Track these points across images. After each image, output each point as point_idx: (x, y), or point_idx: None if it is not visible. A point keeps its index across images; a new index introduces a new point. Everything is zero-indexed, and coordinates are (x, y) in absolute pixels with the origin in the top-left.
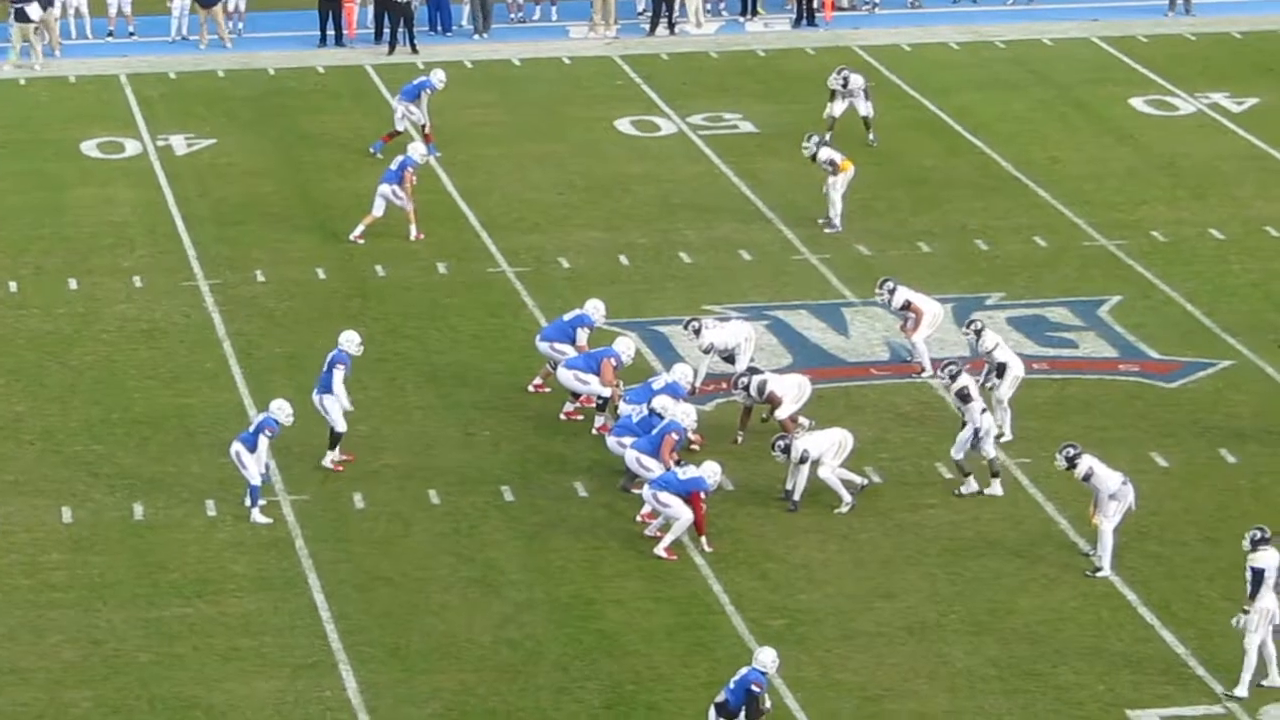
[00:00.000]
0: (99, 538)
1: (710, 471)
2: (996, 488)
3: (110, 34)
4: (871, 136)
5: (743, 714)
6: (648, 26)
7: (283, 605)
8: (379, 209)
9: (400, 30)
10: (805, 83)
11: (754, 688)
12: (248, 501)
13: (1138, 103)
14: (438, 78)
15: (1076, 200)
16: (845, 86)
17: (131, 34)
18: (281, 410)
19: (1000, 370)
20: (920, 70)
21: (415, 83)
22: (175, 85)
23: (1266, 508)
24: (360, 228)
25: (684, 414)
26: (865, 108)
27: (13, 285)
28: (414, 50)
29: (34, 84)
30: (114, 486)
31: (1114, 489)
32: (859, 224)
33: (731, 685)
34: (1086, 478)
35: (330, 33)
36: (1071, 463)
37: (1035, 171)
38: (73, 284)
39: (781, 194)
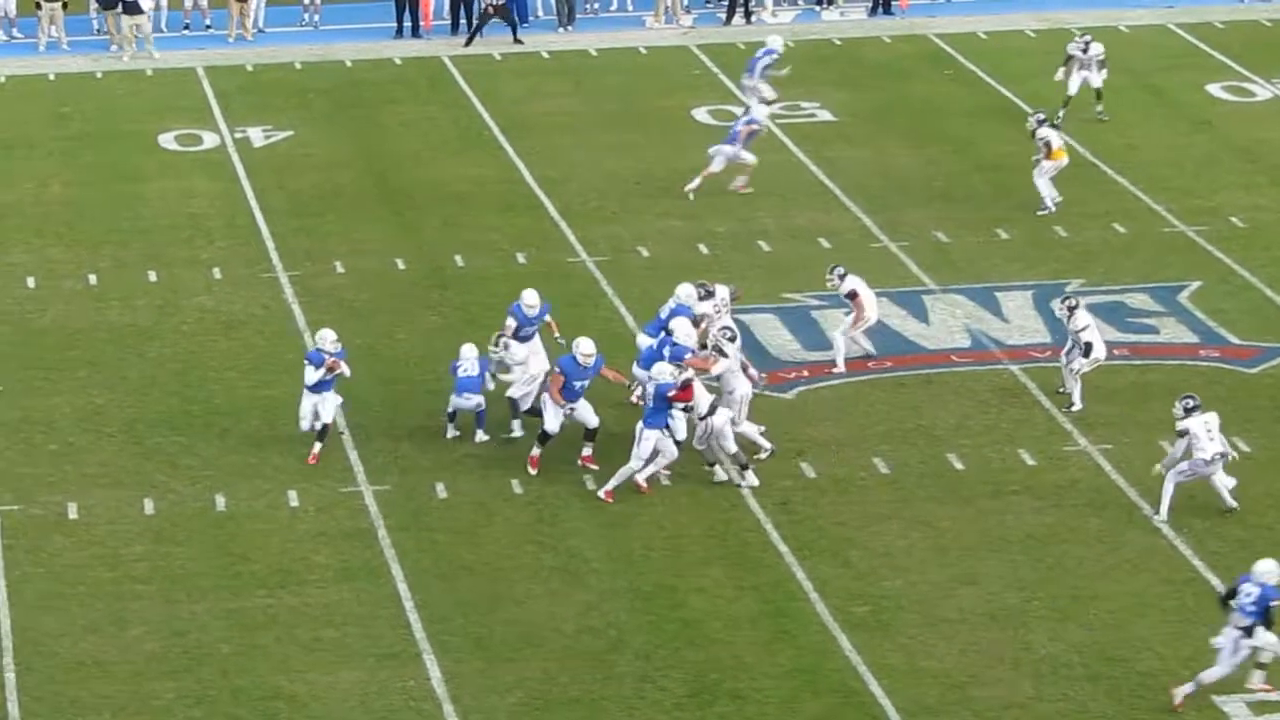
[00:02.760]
0: (181, 529)
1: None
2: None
3: (186, 27)
4: (1099, 109)
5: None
6: (724, 15)
7: (365, 595)
8: (718, 165)
9: (488, 24)
10: (882, 71)
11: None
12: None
13: (1215, 88)
14: (776, 43)
15: (1155, 186)
16: (1085, 53)
17: (208, 27)
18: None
19: (1086, 350)
20: (997, 58)
21: (754, 56)
22: (252, 77)
23: None
24: (697, 180)
25: (664, 372)
26: (1098, 78)
27: (92, 278)
28: (516, 40)
29: (111, 78)
30: (195, 478)
31: (1209, 457)
32: (938, 211)
33: (1249, 606)
34: (1182, 434)
35: (407, 24)
36: (1189, 413)
37: (1112, 158)
38: (152, 276)
39: (859, 182)
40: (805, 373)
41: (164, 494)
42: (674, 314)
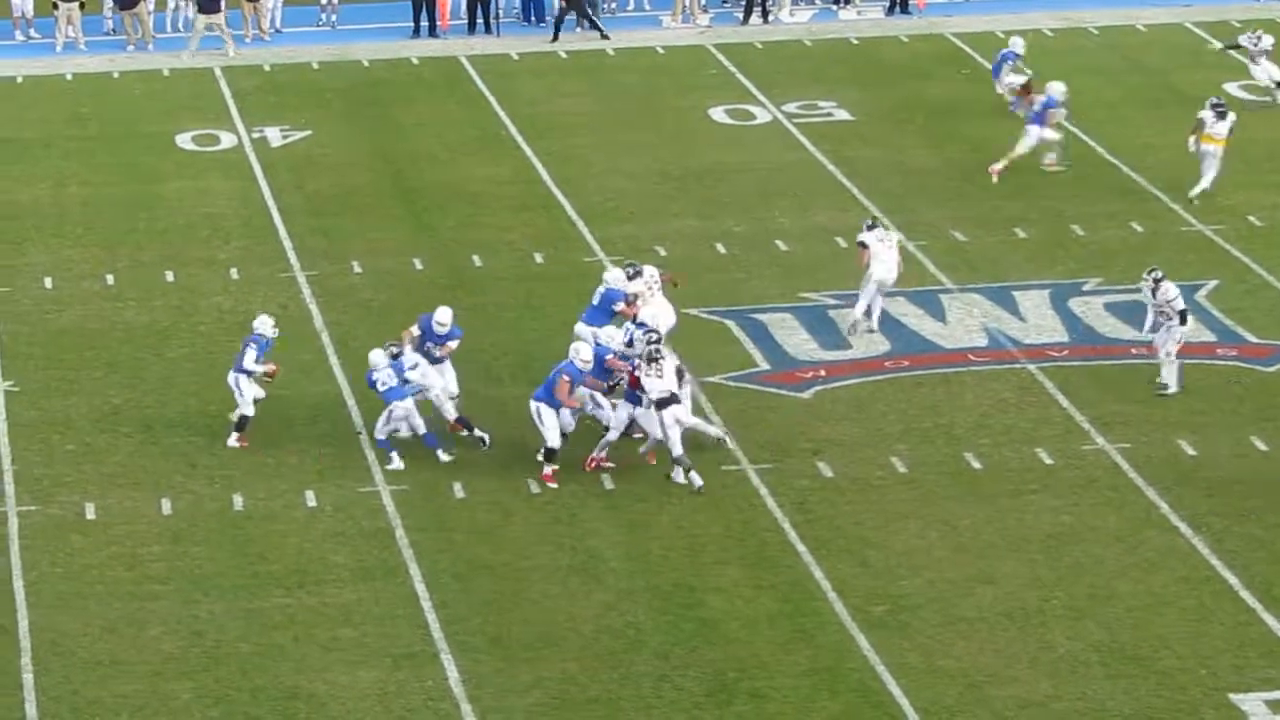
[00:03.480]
0: (198, 529)
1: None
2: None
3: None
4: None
5: None
6: (741, 15)
7: (384, 595)
8: (1024, 147)
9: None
10: (899, 70)
11: None
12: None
13: (1231, 87)
14: (1017, 45)
15: (1172, 186)
16: (1257, 45)
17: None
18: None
19: (1183, 317)
20: None
21: (998, 58)
22: (269, 77)
23: None
24: (1002, 163)
25: (580, 352)
26: (1275, 71)
27: (109, 278)
28: (603, 36)
29: (127, 77)
30: (213, 478)
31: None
32: (955, 211)
33: None
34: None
35: (424, 24)
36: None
37: (1130, 157)
38: (169, 276)
39: (876, 182)
40: (823, 372)
41: (181, 494)
42: (605, 298)
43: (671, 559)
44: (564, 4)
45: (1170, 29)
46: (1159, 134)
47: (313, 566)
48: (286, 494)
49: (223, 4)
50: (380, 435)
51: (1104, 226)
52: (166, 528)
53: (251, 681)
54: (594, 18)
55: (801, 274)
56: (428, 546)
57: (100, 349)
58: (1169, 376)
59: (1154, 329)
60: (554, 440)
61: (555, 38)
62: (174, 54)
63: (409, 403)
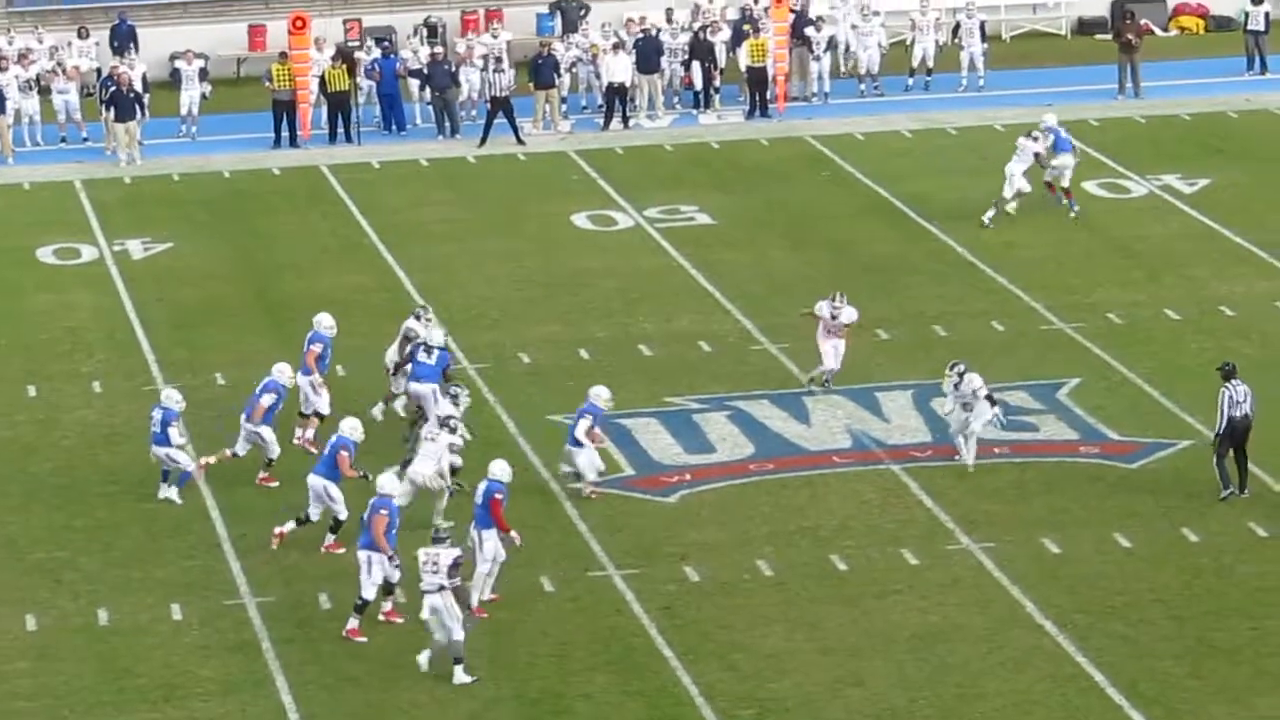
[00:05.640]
0: (64, 645)
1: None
2: None
3: (63, 139)
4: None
5: None
6: (601, 121)
7: (251, 708)
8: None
9: (494, 122)
10: (760, 173)
11: None
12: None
13: (1091, 186)
14: (1050, 120)
15: (1033, 284)
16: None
17: (85, 139)
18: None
19: (991, 400)
20: (874, 158)
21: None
22: (130, 190)
23: (1230, 585)
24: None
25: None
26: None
27: None
28: (519, 141)
29: None
30: (78, 593)
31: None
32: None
33: None
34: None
35: (285, 134)
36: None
37: (991, 256)
38: (31, 391)
39: (739, 285)
40: (688, 476)
41: (46, 610)
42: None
43: (538, 666)
44: (492, 108)
45: (1029, 128)
46: (1019, 233)
47: (180, 680)
48: (153, 607)
49: (139, 112)
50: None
51: (965, 326)
52: (31, 644)
53: None
54: (516, 122)
55: (665, 378)
56: (295, 658)
57: None
58: (968, 453)
59: (961, 425)
60: (369, 594)
61: (483, 142)
62: (34, 167)
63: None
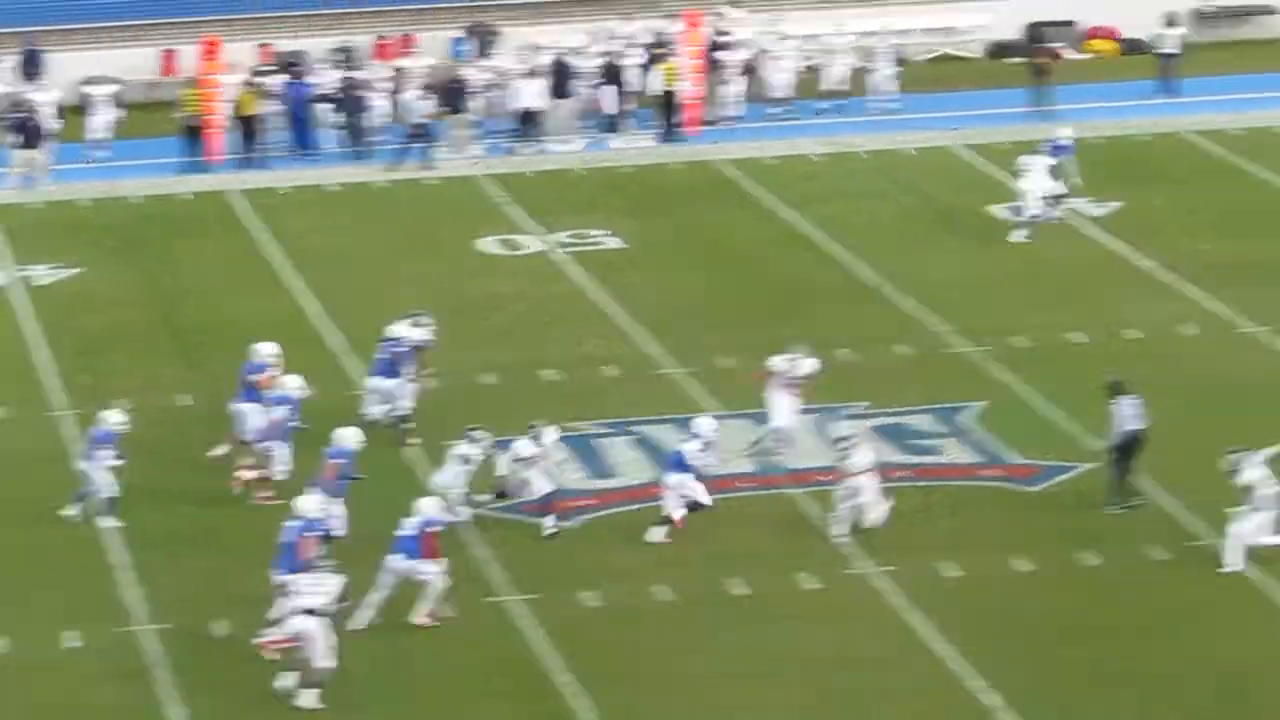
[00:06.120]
0: None
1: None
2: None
3: None
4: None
5: None
6: (511, 146)
7: None
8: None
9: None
10: (671, 197)
11: None
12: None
13: (1000, 209)
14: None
15: (940, 308)
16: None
17: None
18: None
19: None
20: (784, 182)
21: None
22: (39, 215)
23: (1129, 609)
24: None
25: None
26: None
27: None
28: (430, 167)
29: None
30: None
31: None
32: (725, 337)
33: None
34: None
35: (196, 158)
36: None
37: (898, 280)
38: None
39: (647, 309)
40: (592, 501)
41: None
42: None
43: (436, 692)
44: (411, 133)
45: (940, 152)
46: (927, 256)
47: (75, 707)
48: (48, 635)
49: (47, 138)
50: None
51: (870, 350)
52: None
53: None
54: (431, 147)
55: (570, 403)
56: (191, 686)
57: None
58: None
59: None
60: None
61: (397, 166)
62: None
63: None
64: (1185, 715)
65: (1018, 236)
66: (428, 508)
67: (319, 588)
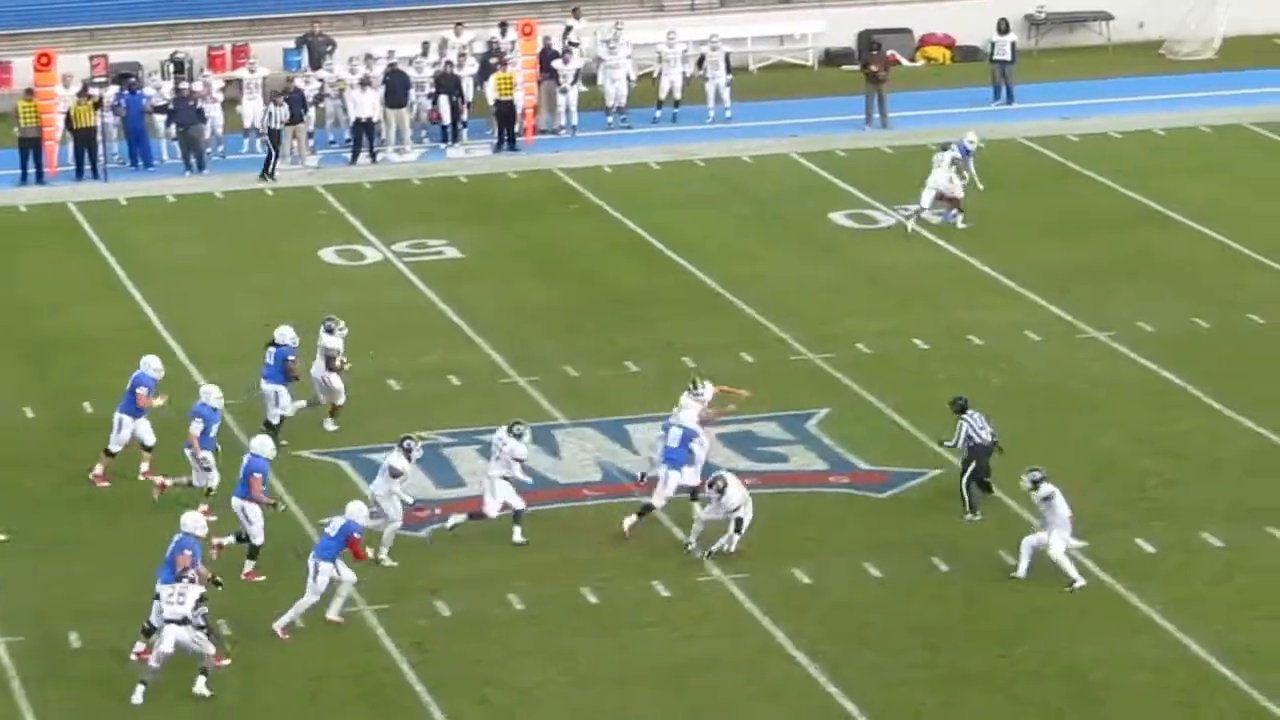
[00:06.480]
0: None
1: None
2: None
3: None
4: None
5: None
6: (349, 155)
7: None
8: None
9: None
10: (508, 207)
11: None
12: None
13: (838, 216)
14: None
15: (782, 315)
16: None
17: None
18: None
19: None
20: (622, 190)
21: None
22: None
23: (981, 613)
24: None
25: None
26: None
27: None
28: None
29: None
30: None
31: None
32: (567, 345)
33: None
34: (1048, 498)
35: (31, 170)
36: (1036, 485)
37: (739, 287)
38: None
39: (488, 318)
40: (438, 511)
41: None
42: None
43: (290, 703)
44: (271, 140)
45: (777, 159)
46: (768, 263)
47: None
48: None
49: None
50: None
51: (715, 357)
52: None
53: None
54: (275, 158)
55: (415, 413)
56: (44, 697)
57: None
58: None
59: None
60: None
61: (269, 175)
62: None
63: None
64: (1038, 717)
65: (958, 223)
66: (353, 512)
67: (180, 598)
